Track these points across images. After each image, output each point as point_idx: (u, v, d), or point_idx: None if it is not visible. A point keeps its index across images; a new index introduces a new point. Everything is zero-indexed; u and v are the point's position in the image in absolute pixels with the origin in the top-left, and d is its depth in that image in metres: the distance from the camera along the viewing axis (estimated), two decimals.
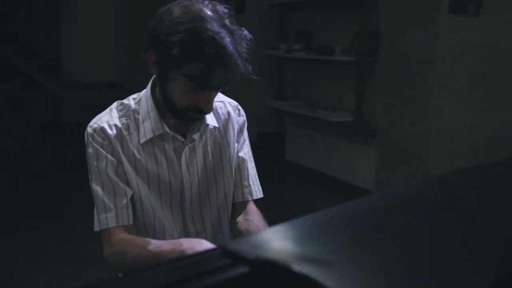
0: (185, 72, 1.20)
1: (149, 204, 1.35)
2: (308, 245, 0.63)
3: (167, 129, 1.33)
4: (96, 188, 1.30)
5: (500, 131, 4.10)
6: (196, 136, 1.38)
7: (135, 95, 1.39)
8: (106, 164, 1.29)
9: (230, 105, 1.48)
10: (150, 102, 1.33)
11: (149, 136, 1.32)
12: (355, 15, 4.31)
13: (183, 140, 1.36)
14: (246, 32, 1.24)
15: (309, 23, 5.08)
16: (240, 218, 1.48)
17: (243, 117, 1.50)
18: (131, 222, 1.31)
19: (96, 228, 1.32)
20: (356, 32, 4.38)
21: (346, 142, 4.58)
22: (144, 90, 1.38)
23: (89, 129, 1.32)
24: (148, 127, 1.32)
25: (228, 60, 1.18)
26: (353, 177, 4.53)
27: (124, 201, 1.30)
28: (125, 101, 1.38)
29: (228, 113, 1.46)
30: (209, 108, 1.28)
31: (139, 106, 1.35)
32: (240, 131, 1.48)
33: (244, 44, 1.21)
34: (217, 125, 1.42)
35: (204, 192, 1.41)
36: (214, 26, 1.17)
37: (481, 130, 3.99)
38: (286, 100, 5.23)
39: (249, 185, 1.49)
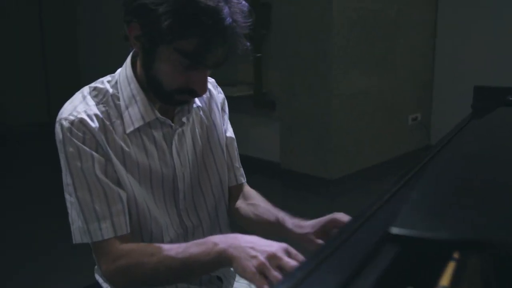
0: (177, 47, 1.02)
1: (143, 203, 1.16)
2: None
3: (158, 115, 1.16)
4: (82, 193, 1.08)
5: (386, 94, 4.34)
6: (185, 119, 1.21)
7: (108, 77, 1.19)
8: (92, 163, 1.08)
9: (209, 82, 1.27)
10: (135, 84, 1.14)
11: (137, 124, 1.14)
12: None
13: (172, 124, 1.19)
14: (243, 1, 1.07)
15: None
16: (241, 204, 1.34)
17: (222, 94, 1.36)
18: (129, 230, 1.11)
19: (82, 240, 1.10)
20: None
21: (247, 116, 4.55)
22: (119, 70, 1.18)
23: (64, 123, 1.08)
24: (135, 114, 1.13)
25: (229, 33, 1.02)
26: (258, 151, 4.53)
27: (120, 206, 1.10)
28: (98, 84, 1.16)
29: (209, 90, 1.30)
30: (204, 90, 1.11)
31: (117, 90, 1.15)
32: (223, 109, 1.35)
33: (242, 15, 1.05)
34: (201, 105, 1.28)
35: (196, 181, 1.25)
36: None
37: (372, 94, 4.19)
38: None
39: (240, 166, 1.38)
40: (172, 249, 1.03)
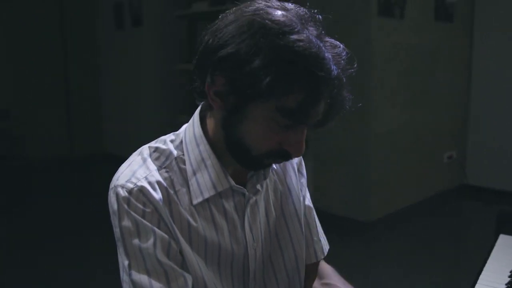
0: (278, 104, 0.83)
1: (213, 286, 0.96)
2: None
3: (233, 183, 0.96)
4: (139, 277, 0.88)
5: (422, 131, 4.19)
6: (259, 186, 1.00)
7: (171, 136, 1.00)
8: (154, 242, 0.88)
9: None
10: (205, 145, 0.95)
11: (208, 194, 0.94)
12: None
13: (245, 193, 0.99)
14: (339, 44, 0.89)
15: None
16: (316, 284, 1.13)
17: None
18: None
19: None
20: None
21: None
22: (185, 128, 1.00)
23: (121, 191, 0.89)
24: (205, 182, 0.94)
25: (336, 85, 0.86)
26: None
27: None
28: (160, 145, 0.97)
29: None
30: (301, 151, 0.91)
31: (182, 152, 0.96)
32: (299, 171, 1.13)
33: (342, 60, 0.87)
34: (275, 167, 1.07)
35: (268, 259, 1.05)
36: (311, 38, 0.82)
37: (408, 131, 4.04)
38: None
39: (319, 239, 1.16)
40: None
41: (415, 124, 4.09)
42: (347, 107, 0.91)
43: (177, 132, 1.01)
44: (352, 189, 3.86)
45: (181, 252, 0.92)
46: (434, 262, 3.29)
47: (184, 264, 0.92)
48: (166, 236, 0.90)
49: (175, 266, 0.90)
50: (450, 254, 3.49)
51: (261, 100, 0.84)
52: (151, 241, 0.88)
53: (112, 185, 0.92)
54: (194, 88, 0.94)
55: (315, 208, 1.16)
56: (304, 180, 1.14)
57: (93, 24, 6.40)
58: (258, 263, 1.02)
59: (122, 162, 0.97)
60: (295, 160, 1.13)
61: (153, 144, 0.98)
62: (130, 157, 0.97)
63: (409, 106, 4.01)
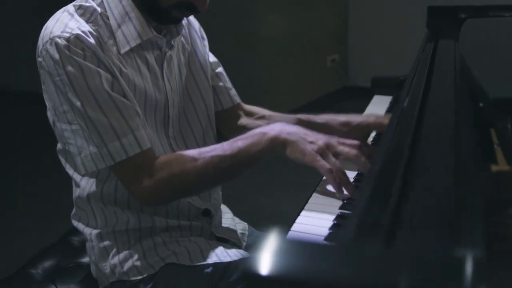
0: None
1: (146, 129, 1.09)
2: None
3: (155, 33, 1.08)
4: (94, 114, 0.97)
5: (308, 33, 4.37)
6: (174, 41, 1.14)
7: None
8: (100, 80, 0.98)
9: None
10: (127, 0, 1.06)
11: (134, 43, 1.05)
12: None
13: (163, 46, 1.12)
14: None
15: None
16: (247, 120, 1.32)
17: (197, 22, 1.30)
18: (150, 145, 1.03)
19: (98, 166, 0.99)
20: None
21: None
22: None
23: (59, 41, 0.96)
24: (130, 32, 1.05)
25: None
26: None
27: (138, 120, 1.01)
28: (83, 3, 1.05)
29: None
30: (204, 4, 1.05)
31: (104, 8, 1.05)
32: (202, 37, 1.28)
33: None
34: (182, 31, 1.20)
35: (182, 109, 1.19)
36: None
37: (294, 33, 4.20)
38: None
39: (232, 87, 1.34)
40: (216, 149, 1.02)
41: (298, 28, 4.25)
42: None
43: None
44: (243, 94, 3.99)
45: (122, 89, 1.02)
46: None
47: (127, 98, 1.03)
48: (108, 74, 1.00)
49: (123, 99, 1.01)
50: None
51: None
52: (97, 79, 0.98)
53: (45, 39, 0.98)
54: None
55: None
56: (206, 43, 1.28)
57: None
58: (175, 111, 1.16)
59: None
60: (197, 26, 1.27)
61: (76, 3, 1.06)
62: (54, 15, 1.03)
63: (291, 10, 4.14)
